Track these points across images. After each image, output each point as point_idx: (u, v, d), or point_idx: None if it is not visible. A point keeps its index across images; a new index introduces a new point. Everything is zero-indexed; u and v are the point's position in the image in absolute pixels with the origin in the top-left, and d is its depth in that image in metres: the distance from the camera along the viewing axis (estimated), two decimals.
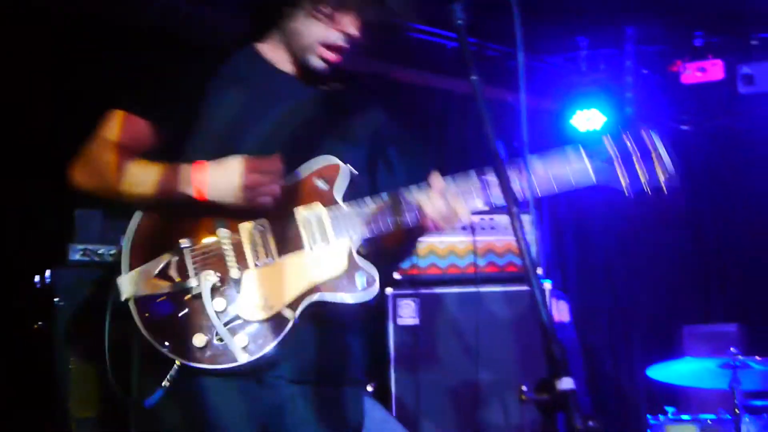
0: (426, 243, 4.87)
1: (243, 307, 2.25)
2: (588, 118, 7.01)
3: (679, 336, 6.20)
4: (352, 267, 2.32)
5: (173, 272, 2.24)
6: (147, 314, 2.23)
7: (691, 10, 6.34)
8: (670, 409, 5.03)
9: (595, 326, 7.23)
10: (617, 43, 6.72)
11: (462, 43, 2.00)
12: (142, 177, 2.30)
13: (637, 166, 2.47)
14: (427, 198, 2.35)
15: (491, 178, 2.38)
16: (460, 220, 2.38)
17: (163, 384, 2.18)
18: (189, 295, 2.24)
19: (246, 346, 2.22)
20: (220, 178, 2.25)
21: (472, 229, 4.85)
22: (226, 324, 2.22)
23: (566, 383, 1.59)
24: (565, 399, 1.58)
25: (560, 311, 5.37)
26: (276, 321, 2.25)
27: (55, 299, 3.73)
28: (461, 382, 4.72)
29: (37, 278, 3.82)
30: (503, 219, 4.73)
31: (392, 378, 4.75)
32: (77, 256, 3.93)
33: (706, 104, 7.17)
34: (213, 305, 2.21)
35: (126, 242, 2.29)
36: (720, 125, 7.15)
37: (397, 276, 4.84)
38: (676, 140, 8.00)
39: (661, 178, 2.48)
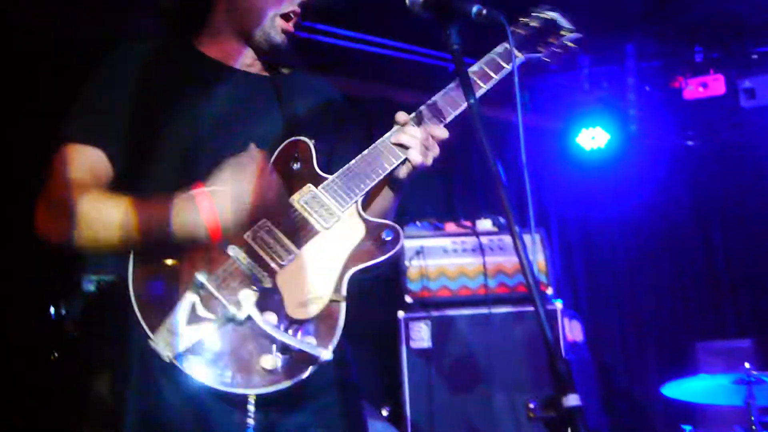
0: (436, 265, 4.88)
1: (293, 309, 2.12)
2: (593, 137, 7.05)
3: (692, 353, 6.17)
4: (370, 228, 2.27)
5: (204, 311, 2.05)
6: (199, 365, 2.02)
7: (691, 25, 6.39)
8: (687, 428, 4.98)
9: (609, 345, 7.21)
10: (619, 61, 6.77)
11: (458, 67, 1.98)
12: (114, 217, 2.05)
13: (549, 37, 2.64)
14: (403, 133, 2.33)
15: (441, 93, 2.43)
16: (440, 140, 2.36)
17: (248, 424, 2.04)
18: (235, 324, 2.06)
19: (318, 343, 2.11)
20: (228, 200, 2.03)
21: (481, 250, 4.86)
22: (288, 332, 2.09)
23: (572, 400, 1.58)
24: (572, 416, 1.57)
25: (573, 331, 5.36)
26: (329, 308, 2.16)
27: (70, 330, 3.74)
28: (475, 404, 4.71)
29: (52, 309, 3.84)
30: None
31: (407, 402, 4.74)
32: (91, 287, 3.95)
33: (709, 119, 7.21)
34: (267, 321, 2.07)
35: (134, 298, 2.04)
36: (724, 139, 7.18)
37: (408, 299, 4.84)
38: (682, 156, 8.08)
39: (568, 37, 2.63)
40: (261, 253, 2.14)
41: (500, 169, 1.85)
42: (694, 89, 6.72)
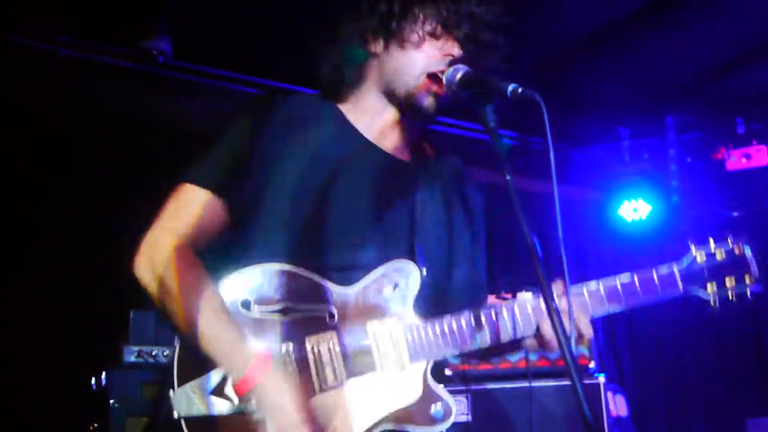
0: None
1: None
2: (634, 209, 7.01)
3: (742, 430, 5.99)
4: (428, 395, 2.12)
5: (230, 390, 1.98)
6: None
7: (731, 96, 6.38)
8: None
9: (655, 420, 7.03)
10: (659, 132, 6.76)
11: (495, 144, 1.96)
12: (204, 322, 1.99)
13: (726, 278, 2.26)
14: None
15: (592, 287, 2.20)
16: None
17: None
18: (245, 418, 1.98)
19: None
20: (273, 392, 1.95)
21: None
22: None
23: None
24: None
25: (617, 405, 5.24)
26: None
27: (111, 401, 3.75)
28: None
29: (93, 380, 3.86)
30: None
31: None
32: (132, 358, 3.97)
33: (753, 190, 7.13)
34: None
35: (177, 348, 2.04)
36: None
37: (447, 372, 4.79)
38: (726, 227, 7.94)
39: (748, 285, 2.25)
40: (311, 364, 2.05)
41: (536, 242, 1.84)
42: (736, 160, 6.67)
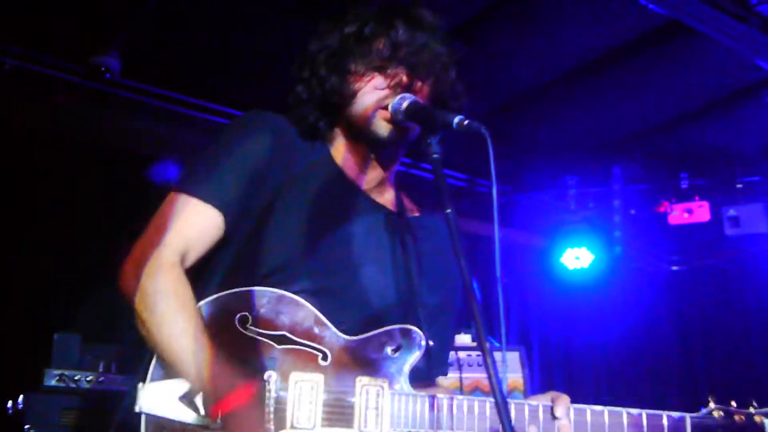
0: None
1: None
2: (577, 257, 7.06)
3: None
4: None
5: (200, 401, 1.92)
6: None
7: (677, 152, 6.50)
8: None
9: None
10: (606, 182, 6.85)
11: (437, 176, 1.91)
12: (185, 344, 1.93)
13: None
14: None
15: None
16: None
17: None
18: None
19: None
20: (245, 424, 1.89)
21: (458, 365, 4.76)
22: None
23: None
24: None
25: None
26: None
27: (26, 426, 3.60)
28: None
29: (9, 403, 3.70)
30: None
31: None
32: (53, 382, 3.82)
33: (693, 245, 7.26)
34: None
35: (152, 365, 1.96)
36: (708, 265, 7.20)
37: None
38: (667, 280, 8.04)
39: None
40: (289, 401, 1.97)
41: (474, 285, 1.79)
42: (679, 215, 6.78)
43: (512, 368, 4.81)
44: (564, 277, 7.12)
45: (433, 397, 2.06)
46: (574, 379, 7.39)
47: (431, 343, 2.15)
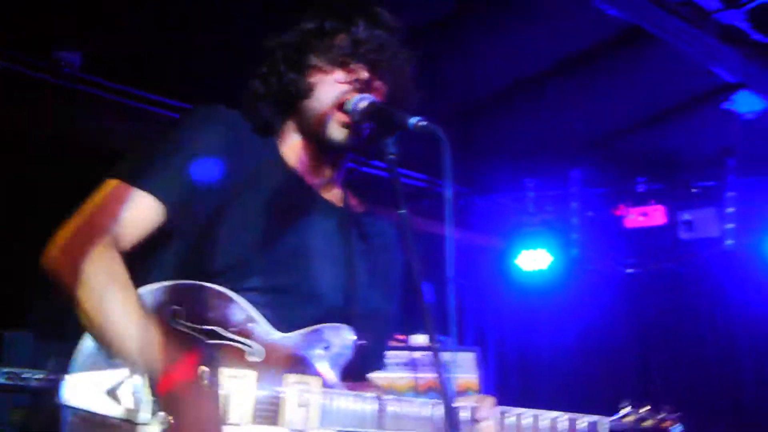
0: None
1: None
2: (534, 258, 7.10)
3: None
4: None
5: (126, 394, 1.89)
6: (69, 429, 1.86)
7: (634, 155, 6.58)
8: None
9: None
10: (564, 185, 6.91)
11: (393, 177, 1.93)
12: (123, 319, 1.90)
13: None
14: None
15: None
16: None
17: None
18: (131, 426, 1.88)
19: None
20: (198, 399, 1.89)
21: (413, 365, 4.77)
22: None
23: None
24: None
25: None
26: None
27: None
28: None
29: None
30: (445, 356, 4.65)
31: None
32: (2, 380, 3.76)
33: (649, 248, 7.35)
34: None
35: (84, 336, 1.93)
36: (662, 268, 7.30)
37: None
38: (622, 283, 8.12)
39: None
40: (221, 396, 1.96)
41: (425, 285, 1.80)
42: (634, 218, 6.86)
43: (468, 369, 4.84)
44: (521, 279, 7.17)
45: (361, 396, 2.08)
46: (529, 380, 7.44)
47: (364, 342, 2.16)
